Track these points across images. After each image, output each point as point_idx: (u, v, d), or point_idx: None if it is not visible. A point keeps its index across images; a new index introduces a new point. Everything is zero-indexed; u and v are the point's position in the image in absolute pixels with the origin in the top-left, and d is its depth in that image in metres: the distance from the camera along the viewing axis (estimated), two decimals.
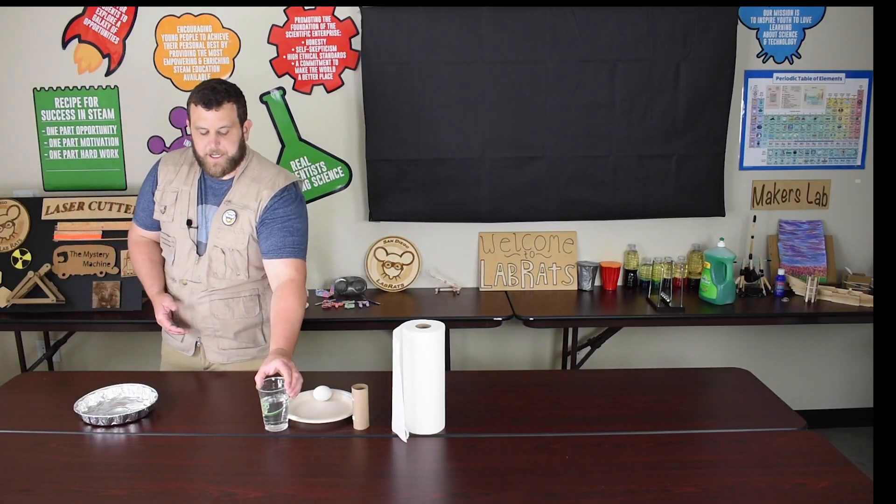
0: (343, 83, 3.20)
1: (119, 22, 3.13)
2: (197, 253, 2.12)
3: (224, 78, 3.15)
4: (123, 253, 2.93)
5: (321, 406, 1.89)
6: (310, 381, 1.97)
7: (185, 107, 2.06)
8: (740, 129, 3.32)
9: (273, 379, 1.76)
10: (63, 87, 3.18)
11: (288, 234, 2.08)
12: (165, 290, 2.22)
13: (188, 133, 3.19)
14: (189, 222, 2.10)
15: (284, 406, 1.76)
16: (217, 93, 1.97)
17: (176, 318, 2.19)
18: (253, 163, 2.13)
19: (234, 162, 2.06)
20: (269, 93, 3.19)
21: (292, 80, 3.19)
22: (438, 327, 1.74)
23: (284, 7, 3.12)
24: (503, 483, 1.53)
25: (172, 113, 3.17)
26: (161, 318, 2.14)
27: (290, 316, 1.97)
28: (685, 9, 3.07)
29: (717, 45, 3.11)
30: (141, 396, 1.93)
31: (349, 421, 1.79)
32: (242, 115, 2.06)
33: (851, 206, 3.40)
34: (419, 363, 1.71)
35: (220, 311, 2.15)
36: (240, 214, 2.08)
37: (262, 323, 2.23)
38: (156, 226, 2.20)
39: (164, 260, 2.24)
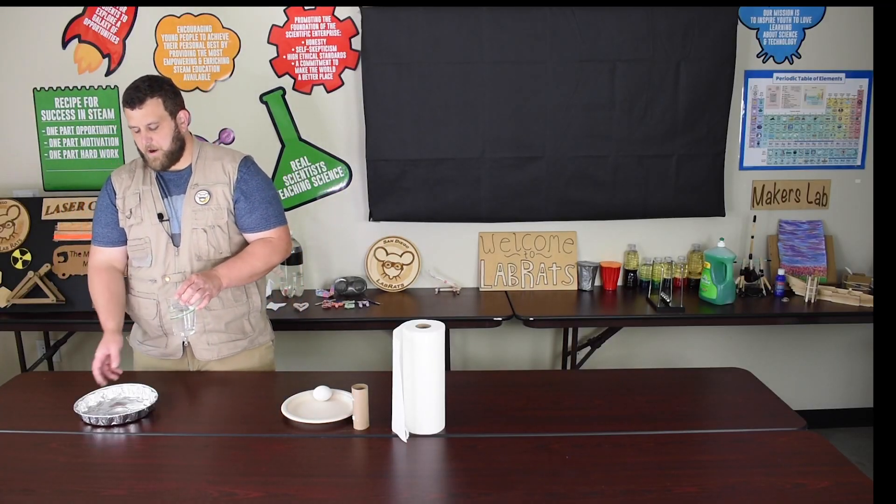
0: (343, 83, 3.20)
1: (119, 22, 3.13)
2: (174, 244, 2.13)
3: (224, 78, 3.17)
4: None
5: (321, 406, 1.89)
6: (310, 381, 1.98)
7: None
8: (740, 129, 3.32)
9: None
10: (63, 87, 3.19)
11: (268, 204, 2.19)
12: (127, 318, 2.20)
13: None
14: (160, 216, 2.12)
15: (186, 313, 1.95)
16: (139, 91, 2.02)
17: (106, 371, 2.04)
18: (205, 148, 2.20)
19: (172, 155, 2.10)
20: (269, 93, 3.19)
21: (292, 80, 3.19)
22: (438, 327, 1.74)
23: (284, 7, 3.12)
24: (503, 483, 1.53)
25: None
26: (98, 356, 2.00)
27: (246, 255, 2.13)
28: (685, 9, 3.07)
29: (717, 45, 3.11)
30: (141, 396, 1.93)
31: (349, 421, 1.79)
32: (173, 109, 2.09)
33: (851, 206, 3.40)
34: (419, 363, 1.71)
35: (211, 301, 2.13)
36: (213, 191, 2.13)
37: (248, 312, 2.24)
38: (120, 239, 2.17)
39: (123, 291, 2.18)
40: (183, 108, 2.13)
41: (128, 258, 2.20)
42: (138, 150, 2.11)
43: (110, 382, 2.00)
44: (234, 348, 2.22)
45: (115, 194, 2.16)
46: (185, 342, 2.18)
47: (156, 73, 2.17)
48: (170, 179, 2.16)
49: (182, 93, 2.16)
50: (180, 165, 2.15)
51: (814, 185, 3.38)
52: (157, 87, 2.05)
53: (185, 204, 2.13)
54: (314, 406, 1.89)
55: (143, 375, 2.11)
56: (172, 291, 2.11)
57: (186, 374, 2.18)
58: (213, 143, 3.20)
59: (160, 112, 2.05)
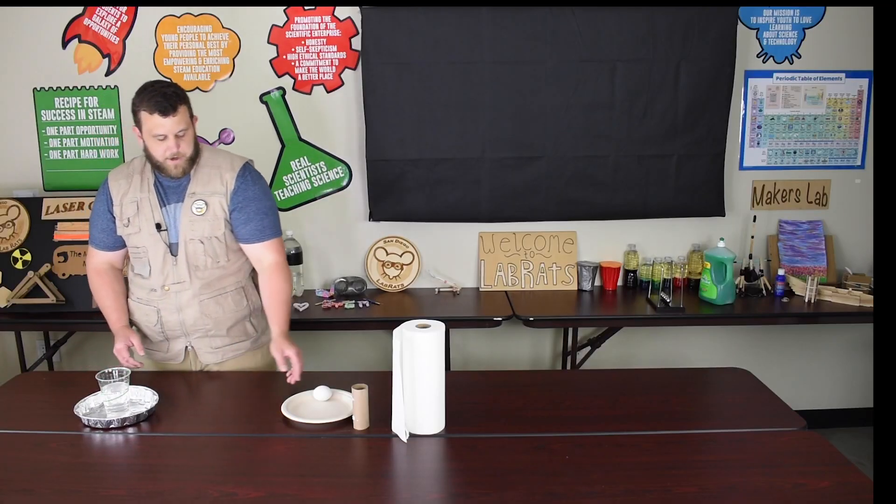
0: (343, 83, 3.20)
1: (119, 22, 3.13)
2: (172, 254, 2.11)
3: (224, 78, 3.16)
4: None
5: (321, 406, 1.89)
6: (310, 381, 1.98)
7: (134, 114, 2.02)
8: (740, 129, 3.32)
9: (109, 371, 1.91)
10: (63, 87, 3.18)
11: (263, 215, 2.14)
12: (130, 323, 2.22)
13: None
14: (158, 226, 2.09)
15: (122, 393, 1.91)
16: (169, 98, 1.97)
17: (133, 355, 2.16)
18: (204, 153, 2.15)
19: (192, 160, 2.08)
20: (269, 93, 3.20)
21: (292, 80, 3.19)
22: (438, 327, 1.74)
23: (284, 7, 3.12)
24: (503, 483, 1.54)
25: None
26: (120, 347, 2.11)
27: (284, 297, 2.14)
28: (685, 9, 3.06)
29: (717, 45, 3.11)
30: (142, 399, 1.93)
31: (349, 421, 1.79)
32: (191, 114, 2.08)
33: (851, 206, 3.40)
34: (419, 363, 1.71)
35: (211, 309, 2.14)
36: (210, 202, 2.10)
37: (249, 314, 2.24)
38: (118, 244, 2.18)
39: (125, 288, 2.22)
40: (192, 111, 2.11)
41: (127, 257, 2.21)
42: (152, 158, 2.05)
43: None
44: (238, 350, 2.23)
45: (112, 202, 2.14)
46: (189, 347, 2.19)
47: (161, 77, 2.11)
48: (168, 187, 2.11)
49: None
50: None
51: (814, 185, 3.38)
52: (183, 94, 2.04)
53: (182, 213, 2.10)
54: (314, 406, 1.89)
55: (144, 373, 2.11)
56: (173, 300, 2.12)
57: (186, 374, 2.18)
58: (213, 143, 3.21)
59: (187, 119, 2.04)
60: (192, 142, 2.06)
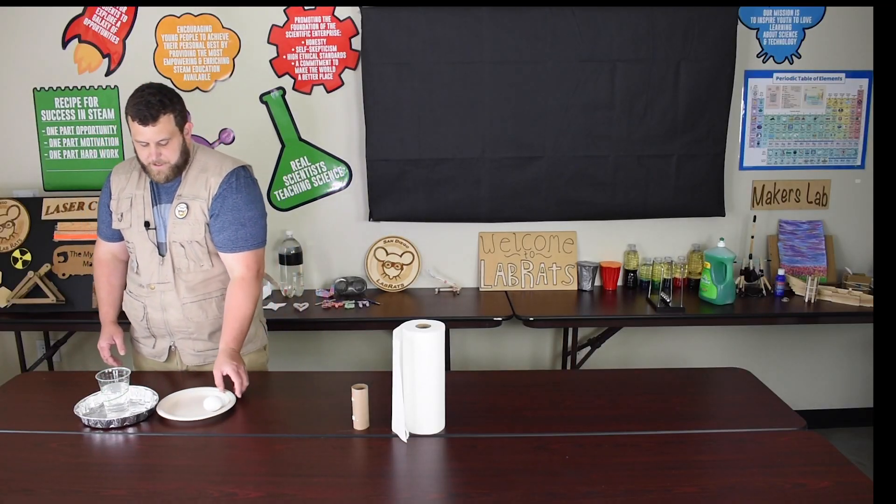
0: (343, 83, 3.20)
1: (119, 22, 3.13)
2: (160, 254, 2.11)
3: (224, 78, 3.16)
4: None
5: (197, 404, 1.88)
6: (309, 381, 1.98)
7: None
8: (740, 129, 3.32)
9: (109, 371, 1.89)
10: (63, 87, 3.18)
11: (240, 226, 2.07)
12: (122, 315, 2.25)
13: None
14: (147, 224, 2.09)
15: (122, 393, 1.90)
16: (151, 107, 1.93)
17: (114, 353, 2.22)
18: (198, 155, 2.12)
19: (178, 168, 2.04)
20: (269, 93, 3.20)
21: (292, 80, 3.19)
22: (438, 327, 1.74)
23: (284, 7, 3.12)
24: (503, 483, 1.54)
25: None
26: (103, 344, 2.19)
27: (239, 314, 2.05)
28: (685, 9, 3.06)
29: (717, 45, 3.11)
30: (143, 399, 1.93)
31: (342, 421, 1.79)
32: (181, 122, 2.02)
33: (851, 206, 3.40)
34: (419, 363, 1.71)
35: (194, 313, 2.14)
36: (191, 206, 2.07)
37: None
38: (117, 236, 2.19)
39: (124, 283, 2.25)
40: (188, 118, 2.07)
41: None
42: (139, 160, 2.05)
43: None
44: None
45: (111, 196, 2.15)
46: (173, 346, 2.20)
47: (158, 81, 2.05)
48: (163, 186, 2.10)
49: (182, 94, 2.10)
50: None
51: (814, 185, 3.38)
52: (169, 103, 1.97)
53: (169, 215, 2.09)
54: (191, 406, 1.87)
55: (143, 376, 2.11)
56: (157, 299, 2.13)
57: (185, 375, 2.17)
58: (213, 143, 3.21)
59: (171, 128, 1.98)
60: (177, 150, 2.01)
